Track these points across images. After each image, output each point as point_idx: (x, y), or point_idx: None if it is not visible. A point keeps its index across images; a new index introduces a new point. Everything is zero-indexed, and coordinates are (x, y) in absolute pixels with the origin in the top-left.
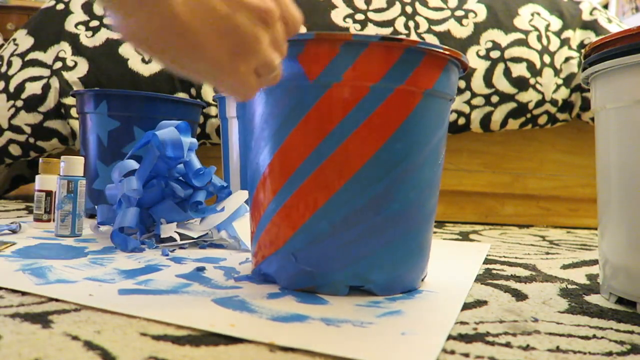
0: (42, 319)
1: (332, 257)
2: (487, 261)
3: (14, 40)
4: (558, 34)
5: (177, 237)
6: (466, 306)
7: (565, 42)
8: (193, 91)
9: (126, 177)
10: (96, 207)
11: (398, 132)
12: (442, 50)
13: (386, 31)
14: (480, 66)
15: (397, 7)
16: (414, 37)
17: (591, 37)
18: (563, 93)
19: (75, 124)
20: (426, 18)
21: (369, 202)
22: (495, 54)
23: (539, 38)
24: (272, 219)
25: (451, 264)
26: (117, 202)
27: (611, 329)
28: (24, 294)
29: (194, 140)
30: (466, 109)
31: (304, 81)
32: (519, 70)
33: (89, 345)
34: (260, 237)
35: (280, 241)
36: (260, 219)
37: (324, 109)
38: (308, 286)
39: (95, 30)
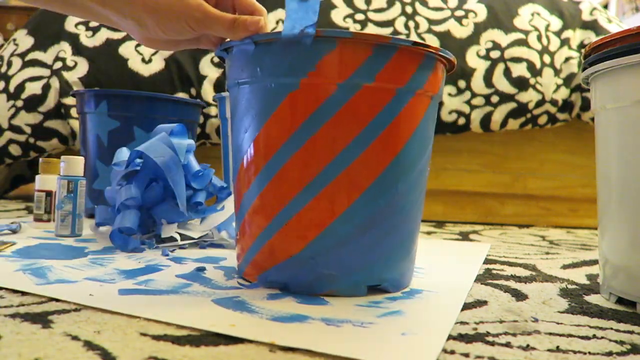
0: (42, 319)
1: (355, 258)
2: (487, 261)
3: (14, 40)
4: (558, 34)
5: (177, 237)
6: (466, 306)
7: (565, 42)
8: (193, 91)
9: (124, 186)
10: (95, 207)
11: (415, 133)
12: (450, 57)
13: (386, 31)
14: (480, 66)
15: (397, 7)
16: (414, 37)
17: (591, 37)
18: (563, 93)
19: (75, 124)
20: (426, 18)
21: (390, 203)
22: (495, 54)
23: (539, 38)
24: (288, 224)
25: (451, 264)
26: (116, 209)
27: (611, 329)
28: (24, 294)
29: (192, 141)
30: (466, 109)
31: (333, 82)
32: (519, 70)
33: (89, 345)
34: (265, 244)
35: (296, 247)
36: (268, 225)
37: (354, 110)
38: (327, 290)
39: (95, 30)
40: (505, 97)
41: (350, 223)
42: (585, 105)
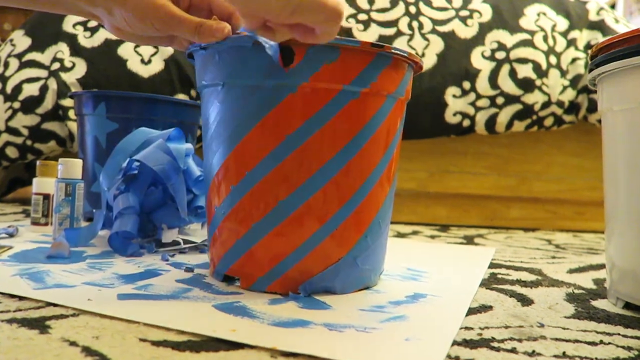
0: (40, 325)
1: (381, 252)
2: (492, 265)
3: (11, 40)
4: (564, 34)
5: (180, 240)
6: (471, 311)
7: (571, 43)
8: (193, 92)
9: (123, 192)
10: (94, 210)
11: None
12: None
13: (389, 31)
14: (485, 67)
15: (401, 7)
16: (417, 37)
17: (598, 38)
18: (569, 94)
19: (73, 126)
20: (430, 18)
21: (390, 199)
22: (500, 55)
23: (545, 38)
24: (340, 227)
25: (455, 268)
26: (114, 217)
27: (618, 334)
28: (21, 298)
29: (190, 145)
30: (471, 110)
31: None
32: (525, 71)
33: (87, 351)
34: (308, 253)
35: (345, 248)
36: (316, 232)
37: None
38: (364, 284)
39: (93, 30)
40: (510, 99)
41: (380, 220)
42: (592, 107)
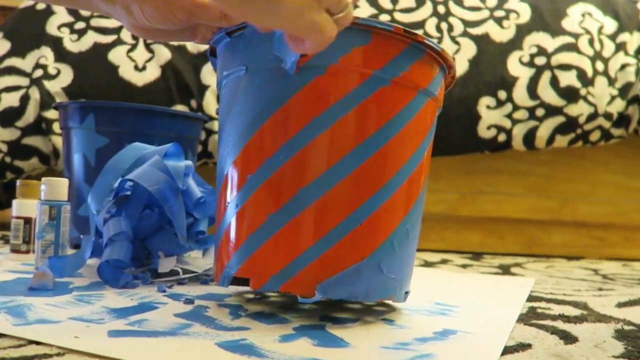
0: None
1: (408, 265)
2: (531, 298)
3: None
4: (613, 37)
5: (179, 270)
6: (507, 350)
7: (621, 47)
8: (193, 103)
9: (114, 216)
10: (81, 236)
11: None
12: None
13: None
14: (523, 74)
15: (428, 7)
16: (447, 40)
17: None
18: (618, 105)
19: (58, 140)
20: (461, 19)
21: (421, 208)
22: (540, 61)
23: (591, 42)
24: (364, 223)
25: (490, 301)
26: (104, 244)
27: None
28: None
29: (189, 163)
30: (507, 123)
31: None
32: (568, 79)
33: None
34: (325, 252)
35: (369, 249)
36: (333, 229)
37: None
38: (389, 295)
39: (81, 33)
40: (552, 110)
41: (407, 224)
42: None
